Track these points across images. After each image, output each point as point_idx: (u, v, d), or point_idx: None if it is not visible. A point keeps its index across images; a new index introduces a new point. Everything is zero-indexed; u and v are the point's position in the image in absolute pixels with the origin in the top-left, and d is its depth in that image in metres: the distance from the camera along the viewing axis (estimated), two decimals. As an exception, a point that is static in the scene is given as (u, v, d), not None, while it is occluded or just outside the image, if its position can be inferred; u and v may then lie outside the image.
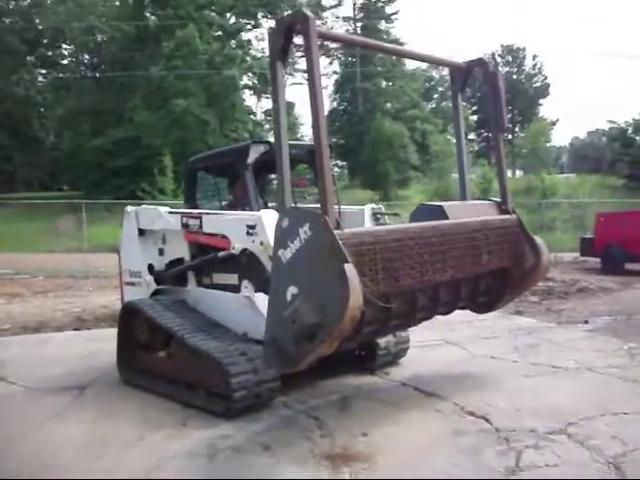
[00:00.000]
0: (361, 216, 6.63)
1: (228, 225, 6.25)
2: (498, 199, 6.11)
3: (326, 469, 4.36)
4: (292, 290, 4.15)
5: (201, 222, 6.59)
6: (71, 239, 23.82)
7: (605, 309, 11.07)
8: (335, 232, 4.06)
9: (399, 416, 5.42)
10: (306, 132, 54.84)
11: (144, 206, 7.86)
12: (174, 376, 6.28)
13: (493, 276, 5.76)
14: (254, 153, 6.33)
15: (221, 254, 6.23)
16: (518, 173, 61.47)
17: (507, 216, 5.88)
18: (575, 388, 6.07)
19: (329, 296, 3.96)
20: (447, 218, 5.42)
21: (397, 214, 7.50)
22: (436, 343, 8.24)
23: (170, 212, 7.24)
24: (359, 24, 59.80)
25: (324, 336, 4.03)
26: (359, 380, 6.59)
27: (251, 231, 5.87)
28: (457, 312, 10.07)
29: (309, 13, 4.39)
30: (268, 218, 5.60)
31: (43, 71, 54.58)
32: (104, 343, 7.88)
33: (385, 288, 4.57)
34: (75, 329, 10.55)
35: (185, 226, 6.81)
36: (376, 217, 6.71)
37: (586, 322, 9.66)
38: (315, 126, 4.26)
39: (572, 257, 20.46)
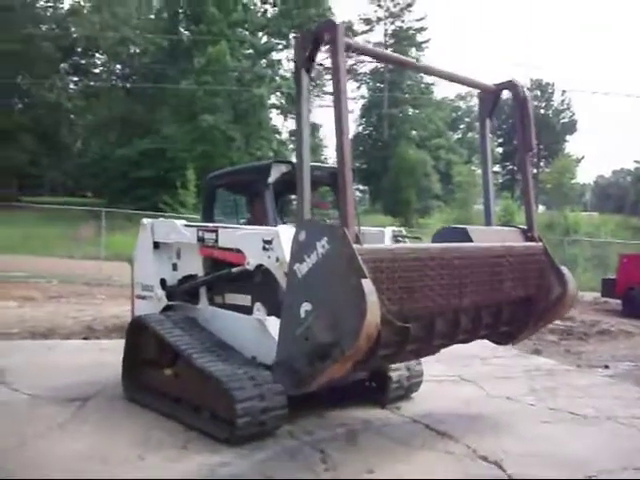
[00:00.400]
0: (381, 237, 6.46)
1: (244, 239, 6.09)
2: (524, 226, 5.91)
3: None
4: (306, 306, 3.95)
5: (217, 236, 6.43)
6: (90, 246, 23.88)
7: (626, 354, 10.75)
8: (354, 246, 3.87)
9: (408, 455, 5.20)
10: (330, 154, 54.98)
11: (160, 219, 7.75)
12: (179, 396, 6.12)
13: (516, 305, 5.51)
14: (275, 172, 6.21)
15: (235, 270, 6.07)
16: (541, 208, 61.11)
17: (533, 243, 5.66)
18: (594, 438, 5.80)
19: (345, 313, 3.76)
20: (470, 241, 5.23)
21: (419, 237, 7.33)
22: (450, 379, 7.99)
23: (186, 225, 7.13)
24: (390, 50, 60.00)
25: (338, 355, 3.80)
26: (369, 413, 6.37)
27: (267, 246, 5.71)
28: (473, 347, 9.94)
29: (338, 21, 4.19)
30: (285, 233, 5.41)
31: (75, 78, 55.35)
32: (111, 354, 7.74)
33: (403, 308, 4.33)
34: (84, 338, 10.44)
35: (201, 240, 6.66)
36: (397, 240, 6.53)
37: (606, 367, 9.37)
38: (338, 132, 4.07)
39: (592, 297, 20.07)
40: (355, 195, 4.20)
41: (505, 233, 5.79)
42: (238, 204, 7.60)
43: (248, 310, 6.09)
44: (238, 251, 6.11)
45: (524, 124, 5.59)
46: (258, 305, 5.94)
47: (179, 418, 5.91)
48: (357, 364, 4.18)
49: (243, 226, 6.55)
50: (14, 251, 22.32)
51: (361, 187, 57.71)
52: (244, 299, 6.20)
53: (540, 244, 5.68)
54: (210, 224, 6.87)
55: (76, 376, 7.46)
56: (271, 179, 6.29)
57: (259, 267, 5.82)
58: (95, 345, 9.65)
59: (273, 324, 5.73)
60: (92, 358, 8.39)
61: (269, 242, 5.69)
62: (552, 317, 5.85)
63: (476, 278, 4.94)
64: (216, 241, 6.45)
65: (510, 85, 5.73)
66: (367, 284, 3.70)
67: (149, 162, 41.09)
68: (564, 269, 5.64)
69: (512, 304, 5.47)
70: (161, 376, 6.43)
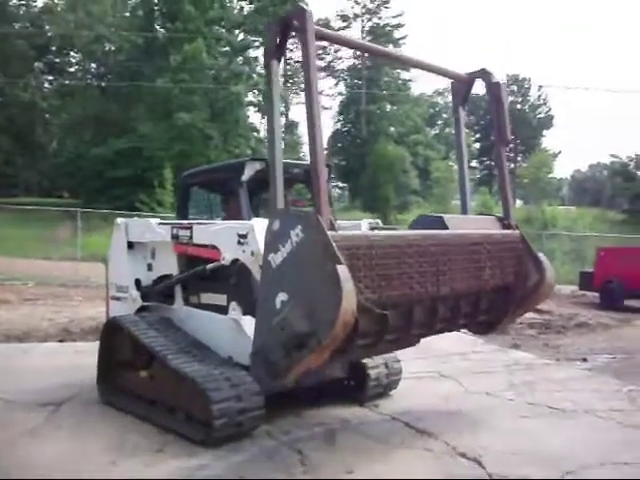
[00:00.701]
0: (358, 229, 6.39)
1: (219, 235, 6.01)
2: (500, 215, 5.86)
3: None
4: (282, 297, 3.89)
5: (191, 232, 6.35)
6: (67, 246, 23.60)
7: (604, 346, 10.81)
8: (329, 233, 3.81)
9: (387, 454, 5.15)
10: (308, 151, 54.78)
11: (135, 218, 7.64)
12: (155, 398, 6.02)
13: (495, 293, 5.46)
14: (249, 170, 6.13)
15: (210, 266, 6.00)
16: (518, 203, 61.48)
17: (510, 231, 5.61)
18: (573, 432, 5.78)
19: (320, 301, 3.69)
20: (447, 229, 5.17)
21: (395, 229, 7.28)
22: (429, 375, 7.95)
23: (160, 223, 7.03)
24: (367, 47, 59.98)
25: (314, 345, 3.74)
26: (347, 411, 6.31)
27: (242, 240, 5.64)
28: (452, 343, 9.94)
29: (307, 8, 4.11)
30: (260, 227, 5.29)
31: (50, 77, 54.71)
32: (87, 357, 7.61)
33: (381, 296, 4.26)
34: (60, 340, 10.30)
35: (175, 237, 6.57)
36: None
37: (585, 360, 9.39)
38: (310, 121, 4.01)
39: (570, 290, 20.20)
40: (328, 184, 4.14)
41: (482, 221, 5.74)
42: (213, 202, 7.51)
43: (224, 310, 6.00)
44: (213, 247, 6.02)
45: (498, 115, 5.56)
46: (234, 305, 5.86)
47: (155, 421, 5.83)
48: (335, 354, 4.12)
49: (217, 221, 6.44)
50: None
51: (340, 184, 57.77)
52: (219, 299, 6.12)
53: (517, 232, 5.63)
54: (184, 221, 6.77)
55: (51, 379, 7.33)
56: (245, 177, 6.21)
57: (235, 262, 5.73)
58: (71, 347, 9.52)
59: (249, 323, 5.64)
60: (68, 361, 8.27)
61: (244, 236, 5.62)
62: (530, 305, 5.77)
63: (454, 265, 4.89)
64: (190, 238, 6.36)
65: (483, 74, 5.70)
66: (342, 270, 3.64)
67: (125, 161, 40.68)
68: (541, 256, 5.58)
69: (491, 292, 5.40)
70: (136, 378, 6.33)
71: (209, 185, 7.27)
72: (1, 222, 27.41)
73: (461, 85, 5.89)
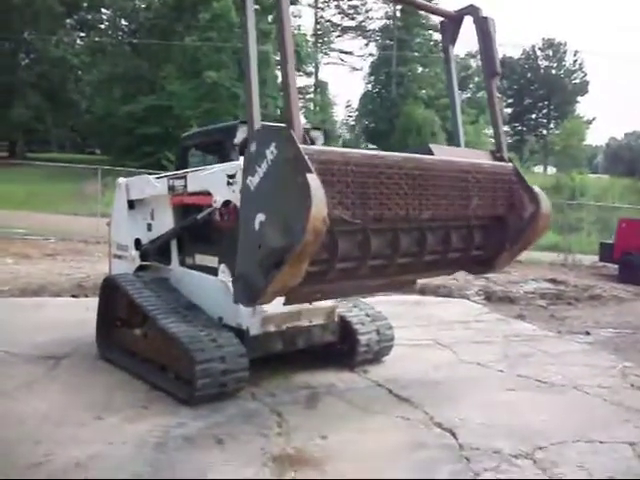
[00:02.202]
0: None
1: (210, 178, 6.05)
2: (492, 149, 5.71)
3: (270, 471, 4.18)
4: (260, 217, 3.88)
5: (186, 181, 6.42)
6: (93, 203, 23.87)
7: (612, 320, 10.69)
8: (301, 146, 3.77)
9: (364, 421, 5.21)
10: (339, 112, 54.27)
11: (136, 176, 7.76)
12: (147, 356, 6.20)
13: (488, 227, 5.34)
14: (241, 133, 6.10)
15: (201, 215, 6.07)
16: (550, 170, 60.45)
17: (502, 163, 5.44)
18: (555, 407, 5.77)
19: (293, 212, 3.66)
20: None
21: None
22: (425, 343, 7.97)
23: (158, 177, 7.14)
24: (398, 7, 58.79)
25: (288, 256, 3.71)
26: (336, 376, 6.39)
27: (231, 180, 5.66)
28: (456, 312, 9.93)
29: None
30: None
31: (82, 34, 54.73)
32: (94, 312, 7.76)
33: (355, 214, 4.16)
34: (73, 296, 10.52)
35: (171, 189, 6.65)
36: None
37: (587, 334, 9.32)
38: (281, 34, 3.97)
39: (591, 261, 19.94)
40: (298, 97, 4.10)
41: (472, 153, 5.60)
42: (209, 164, 7.53)
43: (215, 272, 6.07)
44: (206, 193, 6.06)
45: (487, 47, 5.47)
46: (222, 267, 5.92)
47: (146, 378, 5.99)
48: (316, 277, 4.13)
49: (208, 167, 6.47)
50: (17, 207, 22.36)
51: (370, 145, 57.19)
52: (211, 260, 6.18)
53: (510, 164, 5.47)
54: (179, 172, 6.81)
55: (57, 334, 7.54)
56: (237, 139, 6.20)
57: (226, 204, 5.72)
58: (82, 303, 9.69)
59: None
60: (76, 316, 8.42)
61: (232, 176, 5.64)
62: (528, 239, 5.45)
63: (438, 191, 4.74)
64: (185, 187, 6.43)
65: (471, 10, 5.58)
66: (312, 178, 3.60)
67: (154, 119, 40.66)
68: (536, 188, 5.38)
69: (482, 226, 5.30)
70: (131, 336, 6.52)
71: (205, 147, 7.30)
72: (31, 178, 27.80)
73: (450, 23, 5.81)
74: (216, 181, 5.90)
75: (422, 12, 56.32)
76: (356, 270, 4.52)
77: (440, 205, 4.76)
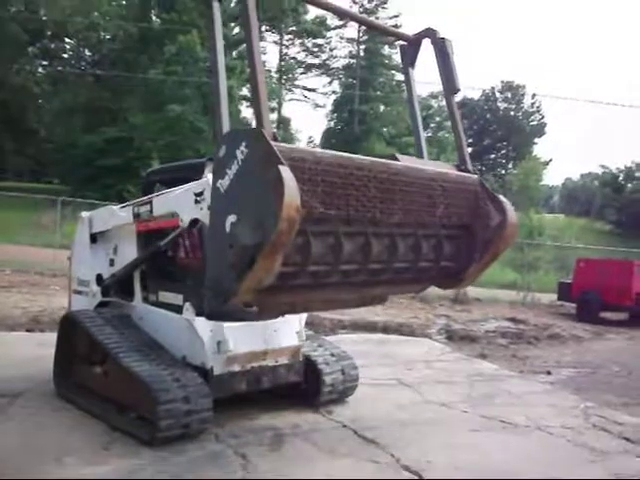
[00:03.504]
0: None
1: (177, 199, 6.01)
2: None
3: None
4: (231, 219, 3.78)
5: (152, 206, 6.35)
6: (50, 234, 23.47)
7: (572, 359, 10.85)
8: (272, 143, 3.73)
9: (331, 464, 5.12)
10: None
11: (100, 208, 7.67)
12: (107, 395, 6.01)
13: (456, 238, 5.32)
14: (209, 170, 6.07)
15: (164, 242, 6.03)
16: (508, 209, 61.41)
17: (467, 174, 5.44)
18: (520, 448, 5.78)
19: (265, 205, 3.60)
20: None
21: None
22: (389, 383, 7.93)
23: (122, 206, 7.06)
24: (362, 46, 60.02)
25: (260, 249, 3.63)
26: (300, 417, 6.29)
27: (199, 198, 5.61)
28: (419, 351, 9.95)
29: None
30: None
31: (44, 63, 54.34)
32: (51, 348, 7.53)
33: (324, 213, 4.14)
34: (28, 330, 10.24)
35: (137, 216, 6.57)
36: None
37: (549, 373, 9.42)
38: (248, 36, 3.99)
39: (549, 300, 20.27)
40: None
41: (436, 164, 5.64)
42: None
43: (179, 309, 5.98)
44: (173, 215, 6.01)
45: (446, 67, 5.58)
46: (187, 305, 5.84)
47: (107, 418, 5.80)
48: (288, 277, 4.07)
49: (175, 188, 6.36)
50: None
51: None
52: (176, 298, 6.09)
53: (475, 176, 5.47)
54: (145, 198, 6.73)
55: (11, 370, 7.29)
56: (204, 176, 6.17)
57: (193, 224, 5.69)
58: (38, 338, 9.44)
59: (202, 325, 5.69)
60: (31, 351, 8.21)
61: (200, 194, 5.59)
62: (496, 249, 5.41)
63: (405, 197, 4.74)
64: (151, 212, 6.36)
65: (429, 32, 5.71)
66: (284, 169, 3.57)
67: (115, 150, 40.46)
68: (502, 197, 5.41)
69: (451, 237, 5.28)
70: (91, 374, 6.33)
71: (171, 183, 7.20)
72: (-15, 207, 27.25)
73: (410, 46, 5.95)
74: (183, 201, 5.86)
75: (385, 51, 57.71)
76: (328, 275, 4.46)
77: (407, 210, 4.78)
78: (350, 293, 5.02)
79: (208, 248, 4.07)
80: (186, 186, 6.02)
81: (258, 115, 3.90)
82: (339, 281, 4.62)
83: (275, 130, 3.93)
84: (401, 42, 6.05)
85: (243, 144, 3.80)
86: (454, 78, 5.61)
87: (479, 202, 5.35)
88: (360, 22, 6.22)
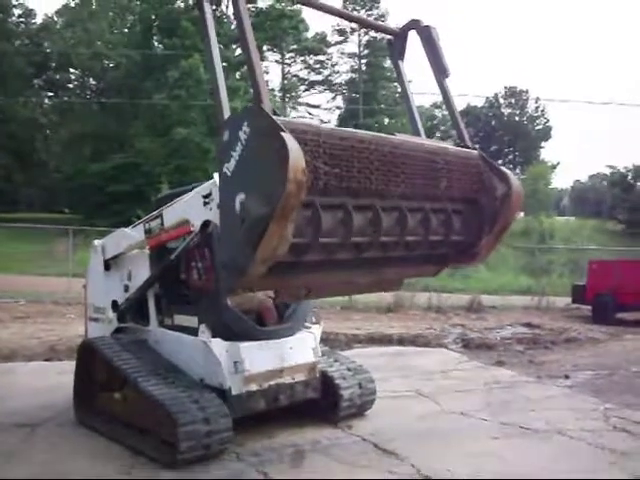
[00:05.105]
0: None
1: (186, 205, 6.08)
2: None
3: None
4: (240, 197, 3.82)
5: (162, 218, 6.42)
6: (63, 263, 23.62)
7: (589, 362, 10.78)
8: (273, 117, 3.78)
9: (351, 477, 5.14)
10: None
11: (111, 233, 7.73)
12: (128, 420, 6.04)
13: (465, 212, 5.29)
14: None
15: (176, 253, 6.13)
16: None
17: (468, 149, 5.44)
18: (541, 454, 5.78)
19: (272, 175, 3.63)
20: None
21: None
22: (408, 395, 7.93)
23: (133, 226, 7.16)
24: (364, 60, 60.30)
25: (271, 215, 3.65)
26: (319, 432, 6.31)
27: (207, 200, 5.68)
28: (435, 361, 9.94)
29: None
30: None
31: (50, 94, 55.05)
32: (69, 377, 7.57)
33: (328, 185, 4.16)
34: (46, 359, 10.31)
35: (148, 232, 6.64)
36: None
37: (566, 377, 9.37)
38: (238, 20, 4.15)
39: (564, 303, 20.13)
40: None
41: (437, 141, 5.74)
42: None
43: (195, 332, 6.03)
44: (185, 223, 6.07)
45: (434, 53, 5.63)
46: (203, 327, 5.90)
47: (127, 442, 5.85)
48: (300, 248, 4.08)
49: (183, 196, 6.42)
50: (-16, 270, 22.01)
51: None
52: (191, 320, 6.15)
53: (476, 151, 5.48)
54: (154, 212, 6.80)
55: (31, 400, 7.36)
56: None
57: (204, 226, 5.75)
58: (56, 367, 9.50)
59: (218, 346, 5.76)
60: (50, 381, 8.27)
61: (208, 195, 5.67)
62: (505, 219, 5.38)
63: (408, 169, 4.73)
64: (162, 224, 6.42)
65: (413, 24, 5.77)
66: (287, 136, 3.61)
67: (124, 177, 40.83)
68: (505, 169, 5.43)
69: (459, 211, 5.26)
70: (111, 400, 6.37)
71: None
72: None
73: (397, 40, 5.99)
74: (192, 206, 5.94)
75: (387, 63, 57.88)
76: (340, 248, 4.45)
77: (412, 183, 4.77)
78: (364, 275, 5.02)
79: (222, 232, 4.11)
80: (193, 191, 6.09)
81: (256, 93, 3.95)
82: (351, 258, 4.62)
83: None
84: (388, 36, 6.09)
85: (245, 123, 3.85)
86: (443, 62, 5.65)
87: (482, 175, 5.35)
88: (348, 18, 6.44)
